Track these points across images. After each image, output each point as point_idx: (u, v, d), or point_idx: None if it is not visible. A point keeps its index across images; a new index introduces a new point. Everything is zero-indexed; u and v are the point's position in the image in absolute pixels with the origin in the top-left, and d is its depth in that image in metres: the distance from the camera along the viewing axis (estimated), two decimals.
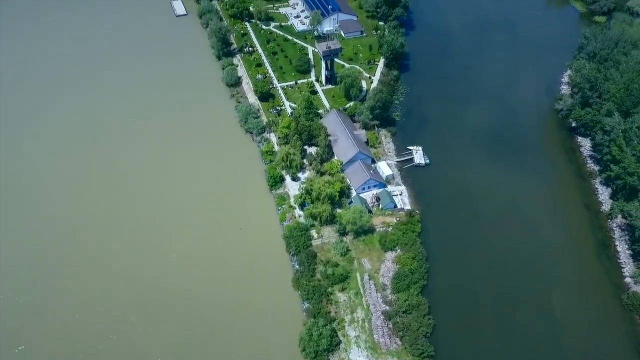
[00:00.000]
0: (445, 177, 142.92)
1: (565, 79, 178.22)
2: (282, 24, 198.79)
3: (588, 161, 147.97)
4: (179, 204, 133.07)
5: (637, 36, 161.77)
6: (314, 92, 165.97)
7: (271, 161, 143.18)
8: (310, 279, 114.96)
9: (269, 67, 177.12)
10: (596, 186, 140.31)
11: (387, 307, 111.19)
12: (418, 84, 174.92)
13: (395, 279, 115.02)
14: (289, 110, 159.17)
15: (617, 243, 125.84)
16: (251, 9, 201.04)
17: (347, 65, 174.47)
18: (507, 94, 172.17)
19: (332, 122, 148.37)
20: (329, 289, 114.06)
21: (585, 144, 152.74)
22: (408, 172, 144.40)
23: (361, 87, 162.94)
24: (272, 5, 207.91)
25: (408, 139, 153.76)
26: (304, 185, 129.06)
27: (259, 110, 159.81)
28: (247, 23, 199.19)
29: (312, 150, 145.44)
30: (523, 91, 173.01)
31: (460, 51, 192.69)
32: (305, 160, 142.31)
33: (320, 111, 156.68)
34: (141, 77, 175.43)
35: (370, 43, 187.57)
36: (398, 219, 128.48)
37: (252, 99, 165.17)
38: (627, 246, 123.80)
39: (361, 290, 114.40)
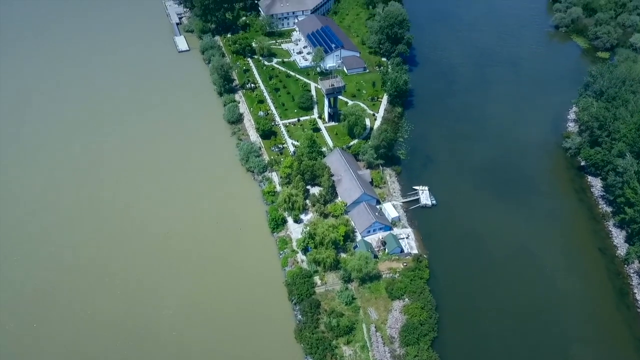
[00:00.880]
0: (452, 219, 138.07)
1: (572, 115, 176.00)
2: (285, 59, 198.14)
3: (600, 202, 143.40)
4: (176, 247, 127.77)
5: None
6: (317, 130, 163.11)
7: (273, 202, 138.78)
8: (314, 330, 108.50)
9: (271, 104, 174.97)
10: (610, 229, 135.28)
11: None
12: (422, 121, 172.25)
13: (403, 331, 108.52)
14: (291, 149, 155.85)
15: (635, 291, 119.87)
16: (254, 44, 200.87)
17: (350, 102, 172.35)
18: (513, 131, 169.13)
19: (335, 162, 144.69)
20: (334, 342, 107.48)
21: (595, 184, 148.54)
22: (414, 214, 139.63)
23: (365, 125, 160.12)
24: (274, 41, 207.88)
25: (413, 178, 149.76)
26: (307, 229, 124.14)
27: (260, 148, 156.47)
28: (249, 59, 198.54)
29: (315, 190, 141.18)
30: (529, 128, 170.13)
31: (464, 87, 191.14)
32: (308, 201, 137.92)
33: (323, 149, 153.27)
34: (142, 113, 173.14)
35: (373, 79, 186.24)
36: (405, 264, 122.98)
37: (254, 136, 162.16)
38: None
39: (367, 344, 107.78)
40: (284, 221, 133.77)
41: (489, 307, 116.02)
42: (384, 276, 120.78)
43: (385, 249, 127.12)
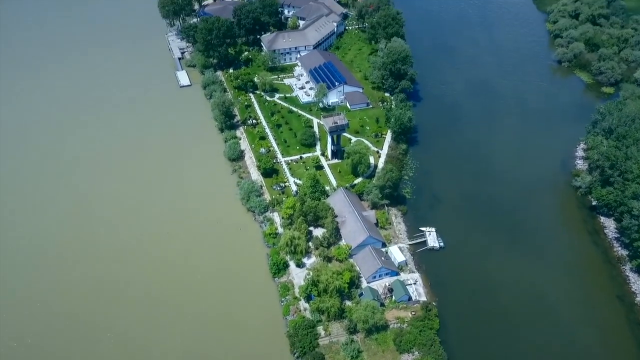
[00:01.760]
0: (461, 262, 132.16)
1: (580, 152, 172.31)
2: (287, 95, 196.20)
3: (614, 244, 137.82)
4: (172, 292, 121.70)
5: None
6: (320, 167, 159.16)
7: (274, 244, 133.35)
8: None
9: (272, 141, 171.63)
10: (627, 273, 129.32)
11: None
12: (428, 158, 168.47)
13: None
14: (294, 187, 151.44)
15: None
16: (256, 80, 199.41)
17: (353, 139, 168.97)
18: (520, 168, 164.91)
19: (339, 202, 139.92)
20: None
21: (609, 225, 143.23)
22: (421, 257, 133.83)
23: (369, 163, 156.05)
24: (276, 77, 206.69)
25: (420, 219, 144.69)
26: (311, 275, 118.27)
27: (261, 187, 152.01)
28: (251, 94, 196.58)
29: (318, 232, 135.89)
30: (536, 166, 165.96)
31: (469, 122, 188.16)
32: (311, 244, 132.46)
33: (326, 188, 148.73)
34: (141, 148, 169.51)
35: (377, 115, 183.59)
36: (414, 313, 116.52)
37: (255, 174, 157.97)
38: None
39: None
40: (286, 265, 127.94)
41: None
42: (391, 326, 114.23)
43: (392, 297, 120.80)
